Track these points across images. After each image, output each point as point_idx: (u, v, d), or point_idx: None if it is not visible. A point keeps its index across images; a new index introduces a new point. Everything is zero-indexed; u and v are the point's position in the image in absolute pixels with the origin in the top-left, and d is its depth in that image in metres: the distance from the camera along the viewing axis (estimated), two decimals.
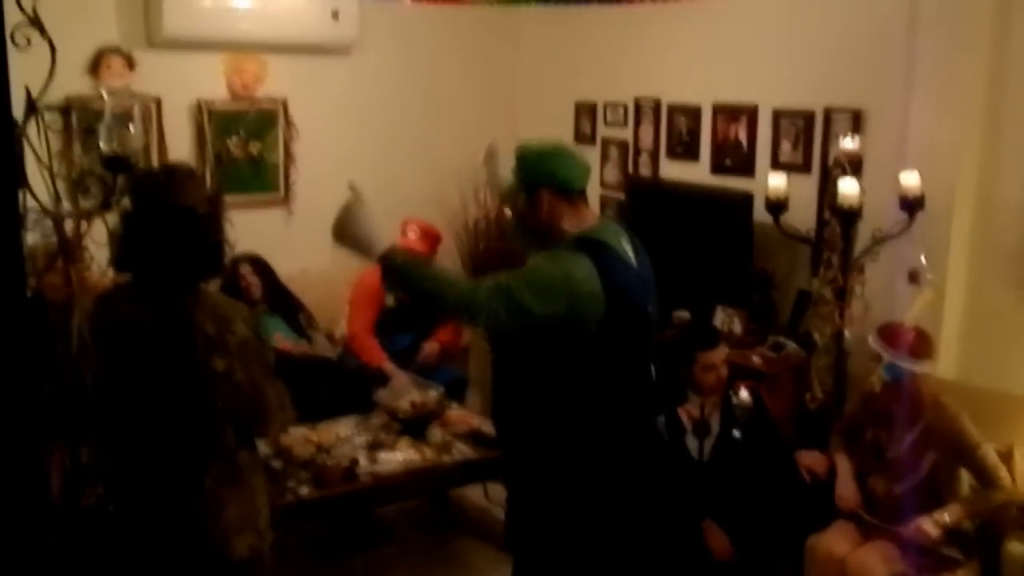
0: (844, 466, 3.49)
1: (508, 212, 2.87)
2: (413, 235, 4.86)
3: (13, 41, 1.63)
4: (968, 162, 3.84)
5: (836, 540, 3.35)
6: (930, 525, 3.17)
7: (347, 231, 2.59)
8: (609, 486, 2.71)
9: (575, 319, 2.51)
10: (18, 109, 1.77)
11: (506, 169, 2.75)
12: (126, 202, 2.31)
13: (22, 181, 1.72)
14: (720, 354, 3.80)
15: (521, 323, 2.50)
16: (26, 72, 1.72)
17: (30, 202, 1.86)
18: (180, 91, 4.88)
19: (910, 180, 3.70)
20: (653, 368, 2.78)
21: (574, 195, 2.66)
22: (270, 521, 2.52)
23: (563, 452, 2.68)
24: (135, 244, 2.29)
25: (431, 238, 4.93)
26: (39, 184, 1.89)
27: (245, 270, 4.74)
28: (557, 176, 2.64)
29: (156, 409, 2.33)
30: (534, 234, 2.69)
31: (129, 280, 2.36)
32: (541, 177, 2.64)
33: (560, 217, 2.63)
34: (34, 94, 1.80)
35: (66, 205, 2.15)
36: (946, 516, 3.18)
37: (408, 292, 2.74)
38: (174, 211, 2.27)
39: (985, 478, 3.24)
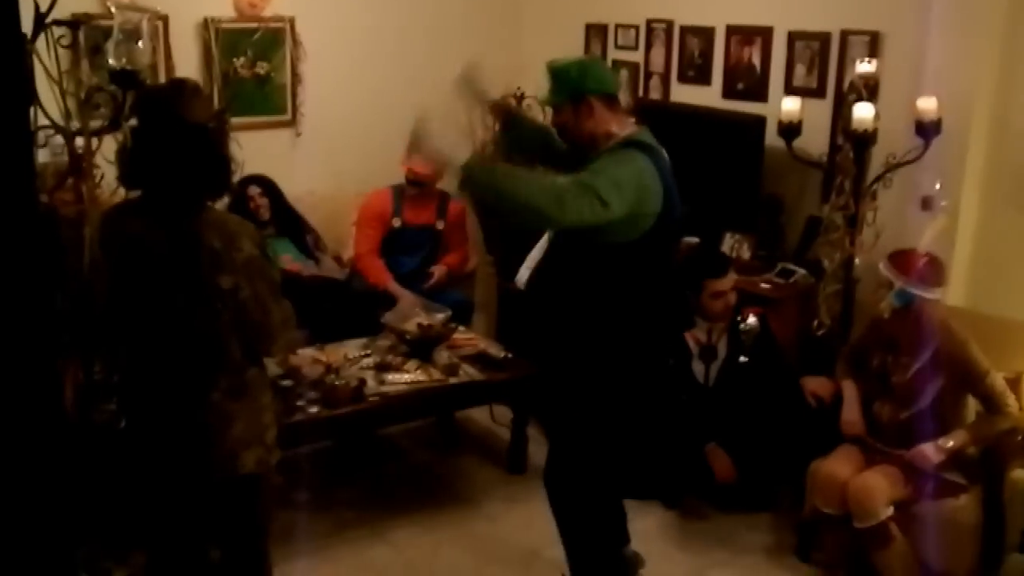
0: (850, 392, 3.52)
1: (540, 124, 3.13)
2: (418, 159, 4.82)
3: None
4: (985, 88, 3.79)
5: (839, 464, 3.38)
6: (932, 450, 3.20)
7: (424, 145, 2.75)
8: (641, 385, 2.92)
9: (639, 216, 2.69)
10: (27, 24, 1.74)
11: (495, 84, 2.80)
12: (134, 119, 2.29)
13: (33, 97, 1.71)
14: (729, 281, 3.81)
15: (600, 220, 2.63)
16: None
17: (41, 119, 1.85)
18: (187, 9, 4.81)
19: (927, 105, 3.65)
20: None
21: (615, 101, 2.85)
22: (277, 438, 2.55)
23: (604, 352, 2.85)
24: (142, 159, 2.28)
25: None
26: (49, 101, 1.87)
27: (254, 191, 4.74)
28: (602, 83, 2.82)
29: (163, 323, 2.35)
30: (582, 142, 2.83)
31: (137, 196, 2.36)
32: (589, 85, 2.80)
33: (609, 122, 2.81)
34: (42, 9, 1.78)
35: (76, 122, 2.13)
36: (950, 442, 3.21)
37: (493, 200, 2.76)
38: (181, 126, 2.27)
39: (992, 404, 3.26)
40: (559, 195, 2.61)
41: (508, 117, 3.24)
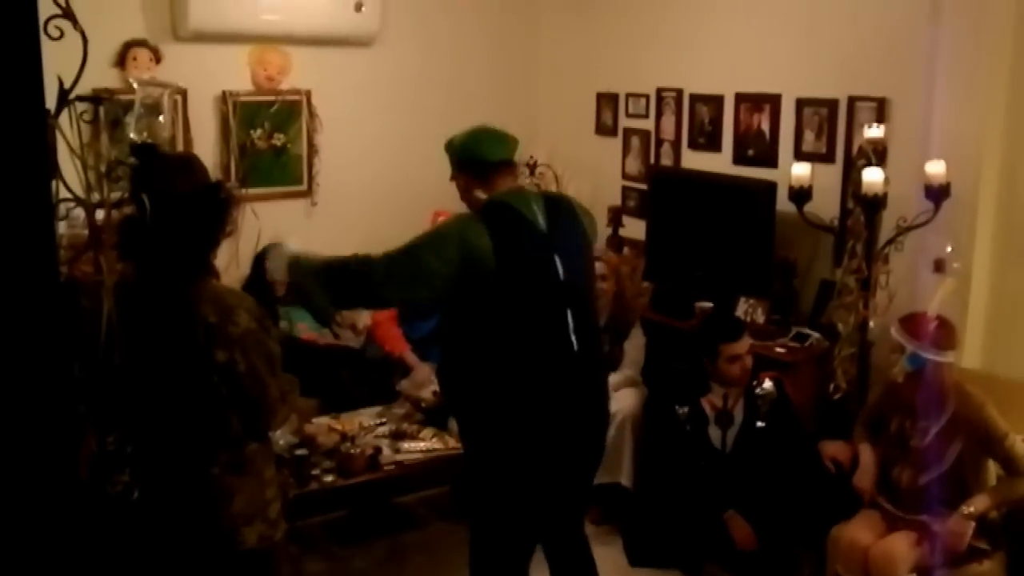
0: (866, 456, 3.49)
1: None
2: None
3: (46, 32, 1.65)
4: (993, 150, 3.81)
5: (860, 530, 3.34)
6: (962, 524, 3.15)
7: (279, 271, 3.01)
8: (519, 443, 2.86)
9: (470, 273, 2.74)
10: (50, 100, 1.79)
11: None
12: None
13: (55, 171, 1.75)
14: (744, 345, 3.81)
15: (419, 286, 2.78)
16: (55, 63, 1.74)
17: (62, 192, 1.89)
18: (205, 83, 4.92)
19: (935, 169, 3.68)
20: (575, 339, 2.85)
21: (488, 169, 2.93)
22: (283, 512, 2.51)
23: (482, 405, 2.90)
24: (132, 233, 2.29)
25: None
26: (70, 174, 1.92)
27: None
28: (468, 155, 2.98)
29: (163, 395, 2.34)
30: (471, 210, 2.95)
31: (133, 272, 2.38)
32: (455, 161, 3.01)
33: (474, 190, 2.93)
34: (66, 85, 1.83)
35: (95, 195, 2.18)
36: (973, 507, 3.17)
37: (316, 289, 2.91)
38: (164, 199, 2.26)
39: (1012, 467, 3.23)
40: (362, 269, 2.85)
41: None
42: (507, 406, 2.84)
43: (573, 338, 2.84)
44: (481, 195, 2.91)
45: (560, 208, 2.95)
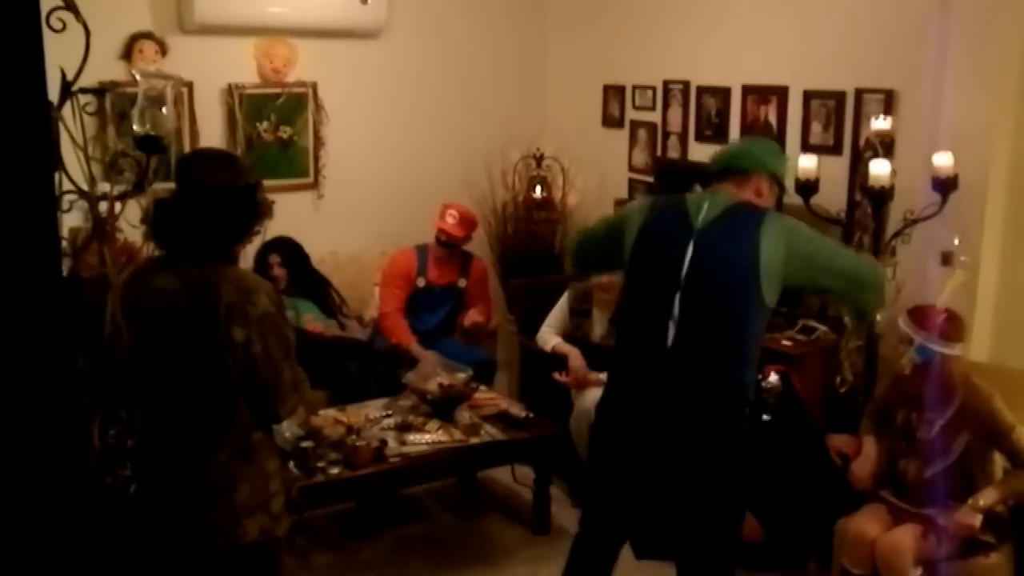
0: (869, 447, 3.48)
1: None
2: (452, 220, 4.89)
3: (48, 24, 1.65)
4: (1001, 142, 3.79)
5: (866, 522, 3.34)
6: (971, 516, 3.14)
7: None
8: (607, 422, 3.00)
9: (619, 254, 2.95)
10: (53, 92, 1.79)
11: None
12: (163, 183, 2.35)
13: (58, 163, 1.75)
14: None
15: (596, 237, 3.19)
16: (61, 56, 1.74)
17: (66, 184, 1.89)
18: (211, 76, 4.92)
19: (943, 161, 3.66)
20: (673, 332, 2.78)
21: (712, 175, 3.04)
22: (285, 506, 2.50)
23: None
24: (167, 219, 2.34)
25: (469, 223, 4.97)
26: (75, 166, 1.92)
27: (274, 260, 4.79)
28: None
29: (177, 376, 2.35)
30: None
31: (161, 253, 2.40)
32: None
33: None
34: (69, 77, 1.83)
35: (101, 187, 2.19)
36: (982, 501, 3.16)
37: None
38: (202, 190, 2.33)
39: (1019, 460, 3.21)
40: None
41: None
42: (609, 392, 3.02)
43: (671, 330, 2.80)
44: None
45: (738, 214, 2.85)
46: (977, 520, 3.13)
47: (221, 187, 2.34)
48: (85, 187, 1.89)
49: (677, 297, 2.78)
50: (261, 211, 2.43)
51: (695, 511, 2.88)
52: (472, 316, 4.98)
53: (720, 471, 2.84)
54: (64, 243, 1.70)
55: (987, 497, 3.17)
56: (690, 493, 2.86)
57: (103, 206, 2.01)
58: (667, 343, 2.79)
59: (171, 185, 2.35)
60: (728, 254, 2.79)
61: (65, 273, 1.77)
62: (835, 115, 4.32)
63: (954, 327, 3.28)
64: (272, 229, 4.76)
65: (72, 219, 2.47)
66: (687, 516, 2.89)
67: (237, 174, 2.45)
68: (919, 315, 3.31)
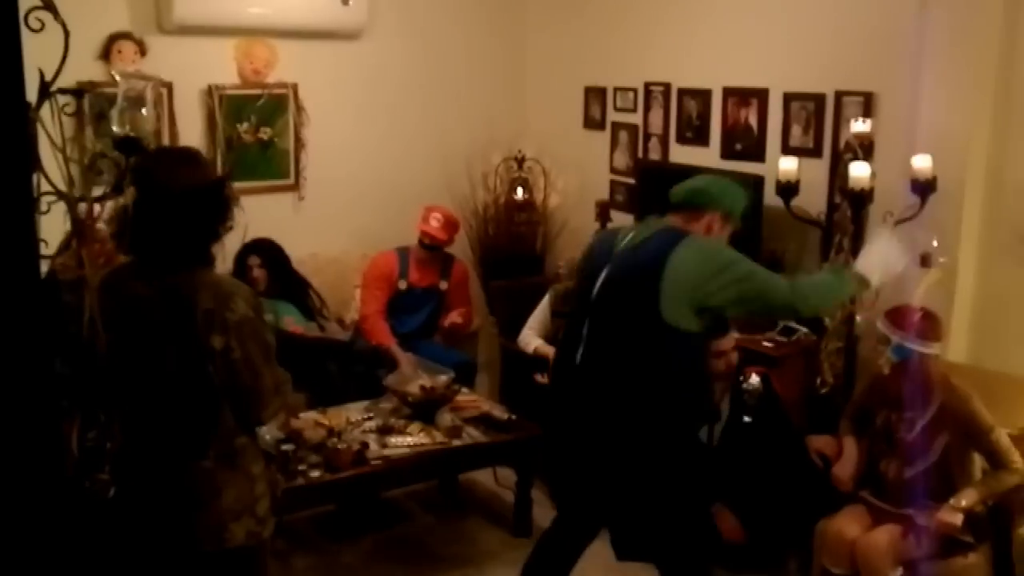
0: (849, 448, 3.50)
1: None
2: (436, 223, 4.89)
3: (27, 24, 1.64)
4: (979, 144, 3.82)
5: (846, 523, 3.36)
6: (951, 515, 3.16)
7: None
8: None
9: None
10: (32, 93, 1.77)
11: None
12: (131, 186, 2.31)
13: (36, 164, 1.73)
14: (730, 340, 3.80)
15: None
16: (39, 56, 1.73)
17: (44, 186, 1.87)
18: (191, 76, 4.89)
19: (922, 163, 3.69)
20: (581, 355, 2.97)
21: (671, 207, 3.08)
22: (271, 509, 2.49)
23: None
24: (133, 225, 2.29)
25: (452, 226, 4.97)
26: (53, 168, 1.90)
27: (253, 262, 4.77)
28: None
29: (157, 385, 2.33)
30: None
31: (132, 259, 2.37)
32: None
33: None
34: (47, 77, 1.81)
35: (79, 189, 2.17)
36: (963, 501, 3.18)
37: None
38: (168, 194, 2.26)
39: (997, 461, 3.24)
40: None
41: None
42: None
43: (579, 351, 2.97)
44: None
45: (660, 237, 2.91)
46: (958, 520, 3.15)
47: (189, 190, 2.28)
48: (64, 188, 1.88)
49: (587, 320, 2.97)
50: (229, 206, 2.38)
51: (631, 519, 3.08)
52: (451, 317, 4.98)
53: (639, 483, 2.96)
54: (44, 245, 1.69)
55: (967, 497, 3.19)
56: (619, 503, 3.05)
57: (82, 207, 1.99)
58: (575, 362, 2.98)
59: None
60: (629, 275, 2.90)
61: (43, 275, 1.76)
62: (815, 117, 4.34)
63: (931, 326, 3.30)
64: (252, 230, 4.77)
65: (50, 221, 2.44)
66: (628, 523, 3.10)
67: (203, 171, 2.41)
68: (896, 315, 3.33)
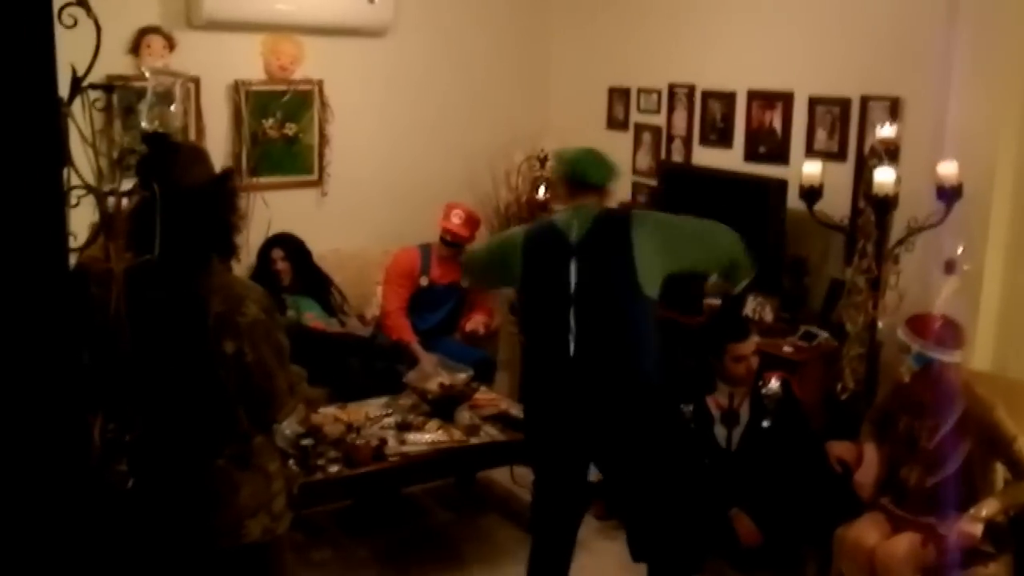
0: (870, 455, 3.48)
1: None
2: (458, 220, 4.91)
3: (60, 20, 1.65)
4: (1006, 151, 3.79)
5: (866, 530, 3.34)
6: (972, 525, 3.14)
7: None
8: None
9: (509, 272, 3.25)
10: (63, 87, 1.79)
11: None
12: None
13: (67, 159, 1.75)
14: (751, 345, 3.80)
15: (491, 278, 3.73)
16: (70, 51, 1.75)
17: (74, 179, 1.89)
18: (218, 72, 4.92)
19: (948, 170, 3.66)
20: (574, 344, 3.08)
21: (576, 188, 3.21)
22: (287, 505, 2.50)
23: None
24: (140, 225, 2.28)
25: (473, 223, 4.98)
26: (82, 162, 1.92)
27: (276, 255, 4.80)
28: (566, 173, 3.25)
29: (170, 387, 2.33)
30: None
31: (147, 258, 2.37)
32: (558, 167, 3.36)
33: (556, 202, 3.53)
34: (79, 73, 1.83)
35: (109, 183, 2.18)
36: (983, 511, 3.16)
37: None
38: (174, 193, 2.24)
39: (1020, 470, 3.21)
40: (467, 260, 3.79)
41: None
42: (524, 391, 3.42)
43: (571, 342, 3.08)
44: (557, 208, 3.31)
45: (610, 224, 3.13)
46: (978, 530, 3.13)
47: (198, 188, 2.28)
48: (93, 182, 1.90)
49: (572, 312, 3.08)
50: (233, 197, 2.37)
51: (640, 490, 3.23)
52: (472, 325, 4.99)
53: (643, 452, 3.15)
54: (72, 239, 1.70)
55: (988, 507, 3.17)
56: (630, 478, 3.22)
57: (111, 201, 2.01)
58: (569, 354, 3.09)
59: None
60: (608, 265, 3.09)
61: (72, 267, 1.78)
62: (840, 122, 4.32)
63: (952, 334, 3.28)
64: (276, 225, 4.80)
65: (80, 214, 2.46)
66: (636, 500, 3.27)
67: (209, 167, 2.40)
68: (917, 323, 3.31)
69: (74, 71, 1.82)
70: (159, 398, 2.35)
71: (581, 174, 3.20)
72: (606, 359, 3.09)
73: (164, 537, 2.39)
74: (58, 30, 1.62)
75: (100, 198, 1.95)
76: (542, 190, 5.61)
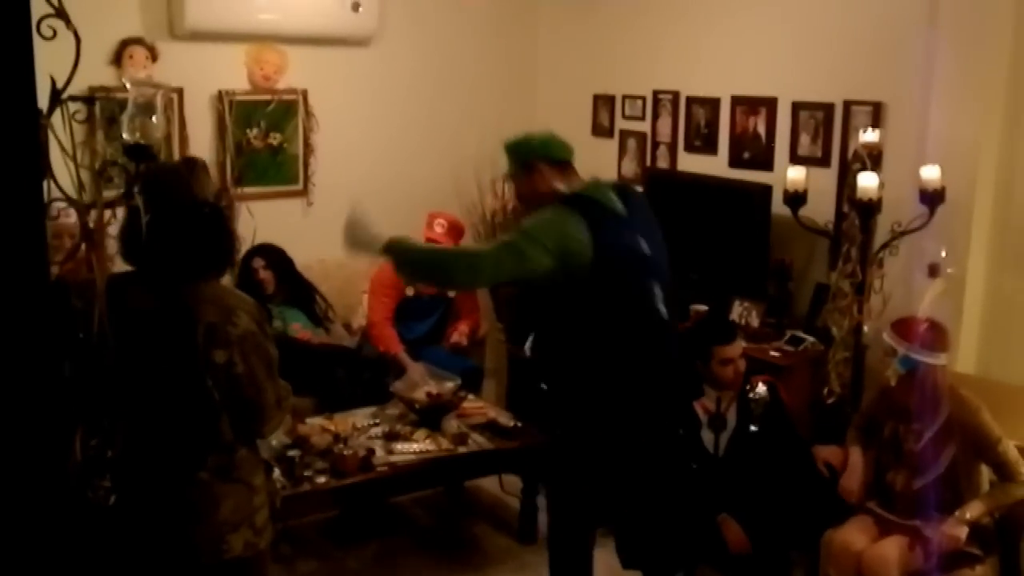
0: (856, 458, 3.49)
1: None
2: (440, 229, 4.89)
3: (39, 32, 1.65)
4: (988, 155, 3.82)
5: (853, 534, 3.35)
6: (957, 528, 3.15)
7: (354, 238, 3.10)
8: (620, 426, 3.11)
9: (567, 266, 2.92)
10: (43, 99, 1.79)
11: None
12: (138, 196, 2.33)
13: (46, 171, 1.74)
14: (737, 348, 3.80)
15: (522, 275, 2.99)
16: (51, 63, 1.74)
17: (55, 191, 1.88)
18: (202, 82, 4.91)
19: (930, 174, 3.68)
20: (664, 309, 3.05)
21: (564, 165, 3.16)
22: (269, 518, 2.49)
23: (582, 394, 3.09)
24: (140, 237, 2.29)
25: (457, 232, 4.97)
26: (63, 174, 1.91)
27: (258, 264, 4.78)
28: (547, 149, 3.17)
29: (156, 397, 2.32)
30: (538, 206, 3.10)
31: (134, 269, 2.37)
32: (536, 152, 3.16)
33: (556, 182, 3.11)
34: (59, 84, 1.82)
35: (90, 195, 2.18)
36: (968, 513, 3.17)
37: (417, 271, 3.20)
38: (187, 204, 2.29)
39: (1005, 473, 3.23)
40: (471, 261, 3.07)
41: None
42: (606, 379, 3.06)
43: (662, 307, 3.06)
44: (561, 187, 3.10)
45: (629, 192, 3.20)
46: (963, 532, 3.14)
47: (198, 206, 2.31)
48: (74, 195, 1.89)
49: (655, 284, 3.06)
50: (220, 221, 2.40)
51: (629, 495, 3.28)
52: (456, 336, 4.96)
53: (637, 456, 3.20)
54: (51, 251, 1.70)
55: (974, 509, 3.19)
56: (620, 483, 3.22)
57: (92, 214, 2.00)
58: (663, 319, 3.06)
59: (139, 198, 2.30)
60: (655, 229, 3.14)
61: (52, 279, 1.77)
62: (823, 127, 4.34)
63: (937, 336, 3.29)
64: (261, 235, 4.78)
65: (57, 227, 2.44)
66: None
67: (212, 183, 2.43)
68: (902, 326, 3.33)
69: (53, 83, 1.81)
70: (144, 408, 2.34)
71: (559, 150, 3.18)
72: (678, 319, 3.21)
73: (146, 552, 2.37)
74: (38, 42, 1.61)
75: (80, 211, 1.94)
76: (504, 190, 5.45)
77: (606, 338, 3.02)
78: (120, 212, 2.42)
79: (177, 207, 2.29)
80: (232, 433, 2.37)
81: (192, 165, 2.38)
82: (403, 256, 3.06)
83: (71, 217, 2.03)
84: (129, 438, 2.35)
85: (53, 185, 1.82)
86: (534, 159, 3.15)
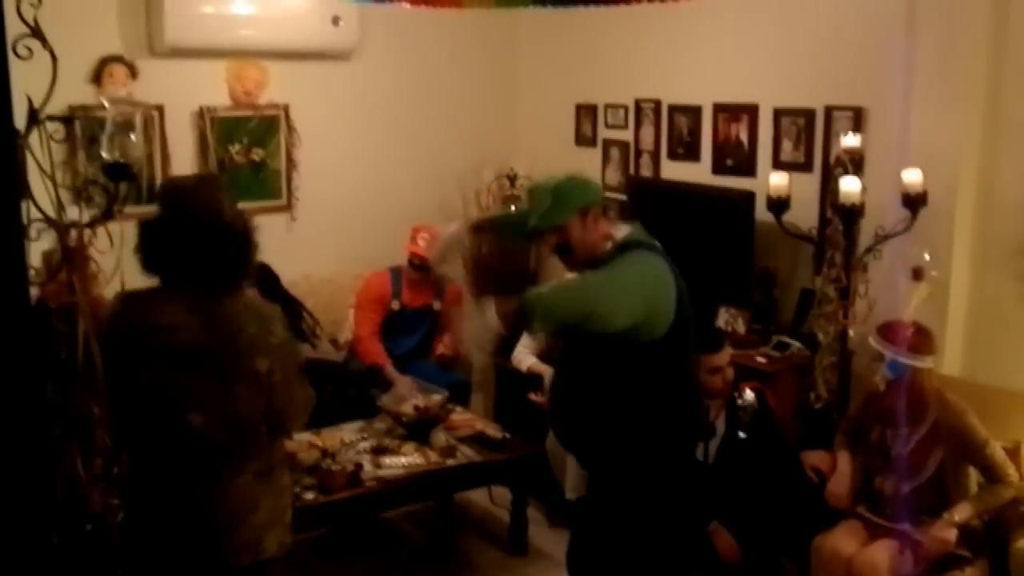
0: (843, 463, 3.50)
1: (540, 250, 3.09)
2: (424, 243, 4.87)
3: (15, 52, 1.64)
4: (969, 158, 3.84)
5: (842, 539, 3.35)
6: (946, 531, 3.15)
7: (451, 263, 3.08)
8: (663, 491, 3.03)
9: (650, 321, 2.77)
10: (20, 119, 1.77)
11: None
12: (159, 209, 2.35)
13: (24, 191, 1.73)
14: (725, 356, 3.80)
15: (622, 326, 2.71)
16: (28, 82, 1.73)
17: (35, 212, 1.87)
18: (182, 98, 4.89)
19: (912, 177, 3.70)
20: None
21: (605, 209, 2.99)
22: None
23: (626, 453, 2.94)
24: (169, 248, 2.33)
25: None
26: (43, 194, 1.89)
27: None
28: (595, 197, 2.96)
29: (195, 407, 2.34)
30: (590, 255, 2.89)
31: (157, 284, 2.38)
32: (592, 198, 2.93)
33: (606, 229, 2.91)
34: (36, 104, 1.81)
35: (71, 214, 2.17)
36: (956, 516, 3.18)
37: (559, 320, 2.85)
38: (219, 220, 2.36)
39: (993, 475, 3.24)
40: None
41: (488, 226, 3.23)
42: (664, 442, 2.94)
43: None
44: (615, 232, 2.92)
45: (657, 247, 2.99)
46: (952, 535, 3.14)
47: (232, 216, 2.39)
48: (53, 215, 1.87)
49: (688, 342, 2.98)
50: (247, 238, 2.46)
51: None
52: (443, 347, 4.95)
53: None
54: (33, 272, 1.68)
55: (962, 512, 3.19)
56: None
57: (73, 234, 1.99)
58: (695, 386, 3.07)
59: (154, 209, 2.32)
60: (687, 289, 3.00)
61: (33, 302, 1.75)
62: (805, 133, 4.36)
63: (923, 339, 3.30)
64: None
65: (41, 247, 2.43)
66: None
67: (231, 196, 2.47)
68: (888, 331, 3.33)
69: (30, 103, 1.80)
70: (182, 419, 2.35)
71: (598, 195, 3.03)
72: None
73: (175, 561, 2.38)
74: (14, 61, 1.60)
75: (60, 231, 1.93)
76: (512, 209, 5.50)
77: (659, 398, 2.91)
78: (101, 232, 2.42)
79: (215, 220, 2.34)
80: (268, 436, 2.43)
81: (216, 180, 2.42)
82: (548, 307, 2.77)
83: None
84: (153, 454, 2.36)
85: (32, 205, 1.81)
86: (588, 204, 2.90)
